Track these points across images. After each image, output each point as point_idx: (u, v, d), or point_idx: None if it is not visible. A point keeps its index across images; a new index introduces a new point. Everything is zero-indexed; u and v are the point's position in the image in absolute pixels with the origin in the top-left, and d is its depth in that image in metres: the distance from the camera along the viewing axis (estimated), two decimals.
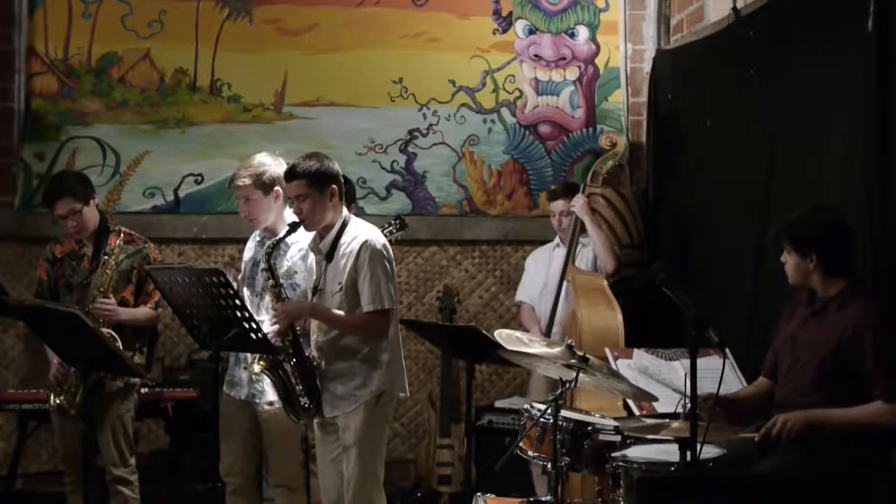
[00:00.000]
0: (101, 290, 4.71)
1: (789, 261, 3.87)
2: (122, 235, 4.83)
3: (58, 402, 4.66)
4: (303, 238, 4.35)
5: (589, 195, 5.58)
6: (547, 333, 5.34)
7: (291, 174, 4.16)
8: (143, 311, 4.86)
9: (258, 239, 4.61)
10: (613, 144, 5.80)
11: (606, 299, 5.29)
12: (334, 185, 4.19)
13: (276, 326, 4.15)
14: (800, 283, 3.89)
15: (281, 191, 4.42)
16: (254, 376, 4.38)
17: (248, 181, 4.40)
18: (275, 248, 4.25)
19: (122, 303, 4.81)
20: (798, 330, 3.93)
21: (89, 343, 4.10)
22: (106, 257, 4.75)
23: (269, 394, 4.40)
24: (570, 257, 5.44)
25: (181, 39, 6.15)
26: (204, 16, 6.17)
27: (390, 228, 5.16)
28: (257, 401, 4.48)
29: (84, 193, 4.80)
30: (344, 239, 4.19)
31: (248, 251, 4.64)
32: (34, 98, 6.05)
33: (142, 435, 5.76)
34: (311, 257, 4.35)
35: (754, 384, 4.15)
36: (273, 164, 4.47)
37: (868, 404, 3.65)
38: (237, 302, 3.92)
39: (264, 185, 4.41)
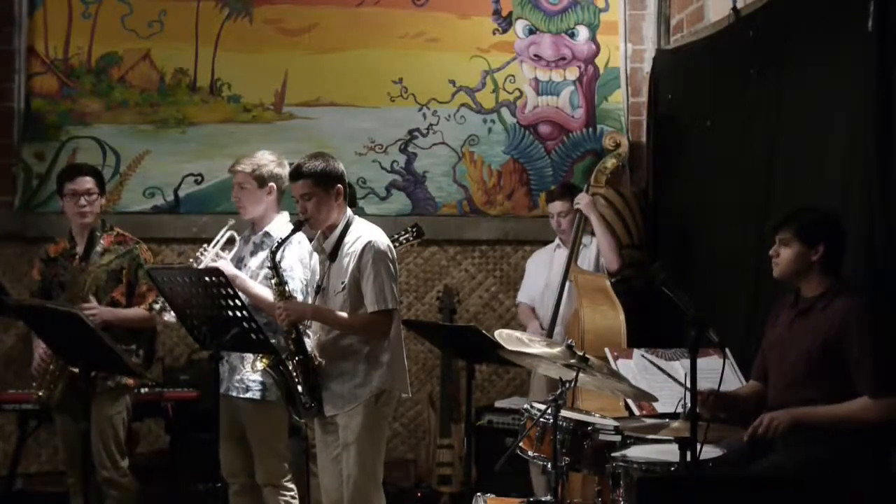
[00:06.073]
0: (81, 295, 4.73)
1: (787, 250, 3.86)
2: (114, 235, 4.84)
3: (39, 394, 4.70)
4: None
5: (593, 195, 5.57)
6: (549, 334, 5.33)
7: (297, 173, 4.18)
8: (135, 312, 4.84)
9: (244, 235, 4.69)
10: (617, 145, 5.80)
11: (609, 299, 5.28)
12: (339, 185, 4.22)
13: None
14: (791, 274, 3.87)
15: (275, 188, 4.58)
16: (248, 371, 4.40)
17: (247, 169, 4.58)
18: (279, 247, 4.27)
19: (113, 303, 4.82)
20: (785, 331, 3.94)
21: (89, 343, 4.10)
22: (92, 260, 4.77)
23: (247, 388, 4.44)
24: (572, 257, 5.42)
25: (181, 39, 6.15)
26: (204, 16, 6.17)
27: (406, 236, 5.13)
28: (232, 394, 4.49)
29: (103, 185, 4.94)
30: (348, 239, 4.21)
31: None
32: (34, 98, 6.05)
33: (142, 435, 5.76)
34: (315, 257, 4.37)
35: (746, 386, 4.16)
36: (274, 163, 4.61)
37: (854, 400, 3.66)
38: (237, 302, 3.93)
39: (261, 178, 4.56)
